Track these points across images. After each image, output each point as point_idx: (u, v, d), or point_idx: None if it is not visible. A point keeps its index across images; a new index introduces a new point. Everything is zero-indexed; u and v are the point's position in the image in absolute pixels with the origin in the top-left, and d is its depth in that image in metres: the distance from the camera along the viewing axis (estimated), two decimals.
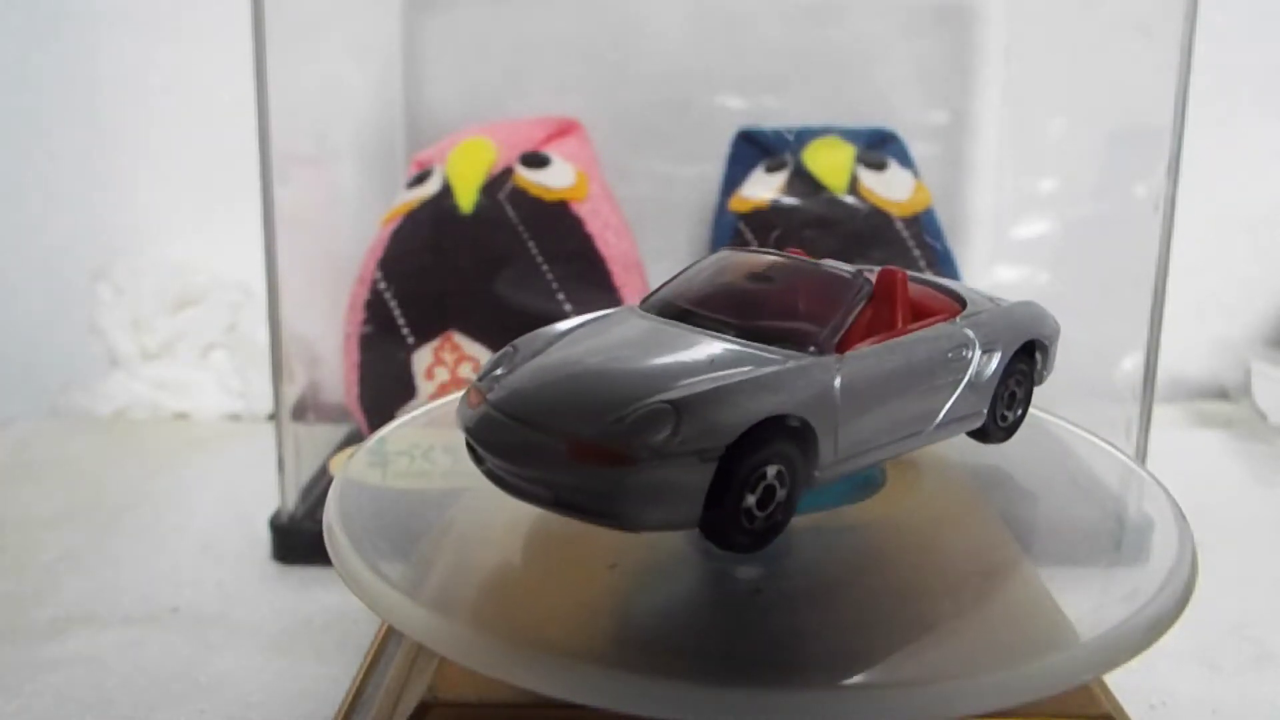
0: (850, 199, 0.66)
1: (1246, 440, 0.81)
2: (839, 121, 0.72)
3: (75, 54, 0.87)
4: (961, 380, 0.37)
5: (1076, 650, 0.29)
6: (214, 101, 0.83)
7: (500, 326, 0.62)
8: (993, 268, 0.79)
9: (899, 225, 0.66)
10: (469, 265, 0.63)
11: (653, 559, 0.33)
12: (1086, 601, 0.32)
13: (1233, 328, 0.91)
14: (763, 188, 0.68)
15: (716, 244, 0.70)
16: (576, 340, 0.35)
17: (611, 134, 0.76)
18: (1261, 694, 0.49)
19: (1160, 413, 0.66)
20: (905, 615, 0.31)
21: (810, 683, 0.27)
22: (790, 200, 0.67)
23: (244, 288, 0.87)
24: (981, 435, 0.39)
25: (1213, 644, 0.52)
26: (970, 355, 0.37)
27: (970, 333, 0.37)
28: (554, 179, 0.66)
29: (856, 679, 0.27)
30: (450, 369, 0.63)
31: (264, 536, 0.61)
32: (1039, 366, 0.41)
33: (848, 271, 0.36)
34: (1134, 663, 0.29)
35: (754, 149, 0.73)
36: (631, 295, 0.65)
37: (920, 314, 0.37)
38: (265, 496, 0.63)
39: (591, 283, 0.64)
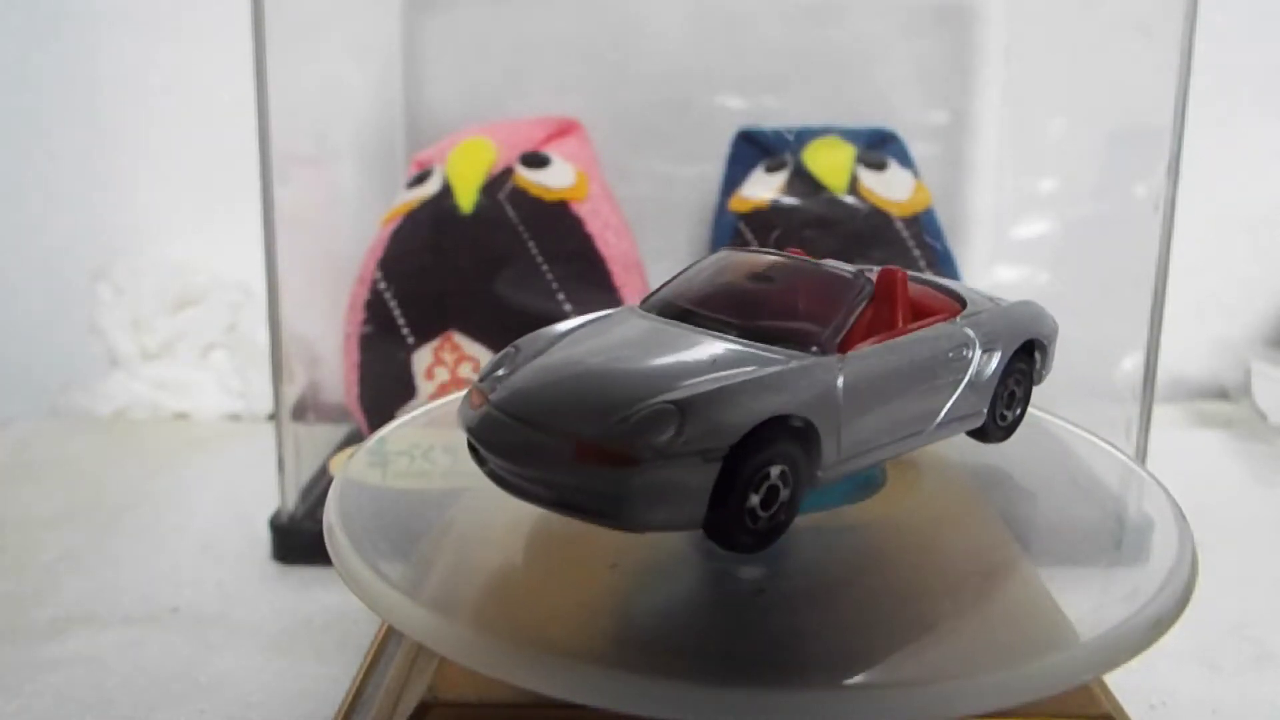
0: (850, 199, 0.66)
1: (1246, 440, 0.81)
2: (839, 121, 0.72)
3: (75, 54, 0.87)
4: (962, 380, 0.37)
5: (1076, 650, 0.29)
6: (214, 101, 0.83)
7: (500, 326, 0.62)
8: (993, 268, 0.79)
9: (899, 225, 0.66)
10: (469, 265, 0.63)
11: (653, 559, 0.33)
12: (1086, 601, 0.32)
13: (1233, 328, 0.91)
14: (763, 188, 0.68)
15: (716, 244, 0.70)
16: (578, 340, 0.35)
17: (611, 134, 0.76)
18: (1261, 694, 0.49)
19: (1160, 413, 0.66)
20: (905, 615, 0.31)
21: (810, 683, 0.27)
22: (790, 200, 0.67)
23: (244, 288, 0.87)
24: (981, 435, 0.39)
25: (1213, 644, 0.52)
26: (970, 355, 0.37)
27: (970, 332, 0.37)
28: (554, 179, 0.66)
29: (856, 679, 0.27)
30: (450, 369, 0.63)
31: (264, 536, 0.61)
32: (1038, 366, 0.41)
33: (849, 271, 0.36)
34: (1134, 663, 0.29)
35: (754, 149, 0.73)
36: (631, 295, 0.65)
37: (920, 314, 0.37)
38: (265, 496, 0.63)
39: (591, 283, 0.64)
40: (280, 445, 0.60)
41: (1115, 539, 0.38)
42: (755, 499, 0.30)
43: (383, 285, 0.63)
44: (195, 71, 0.86)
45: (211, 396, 0.84)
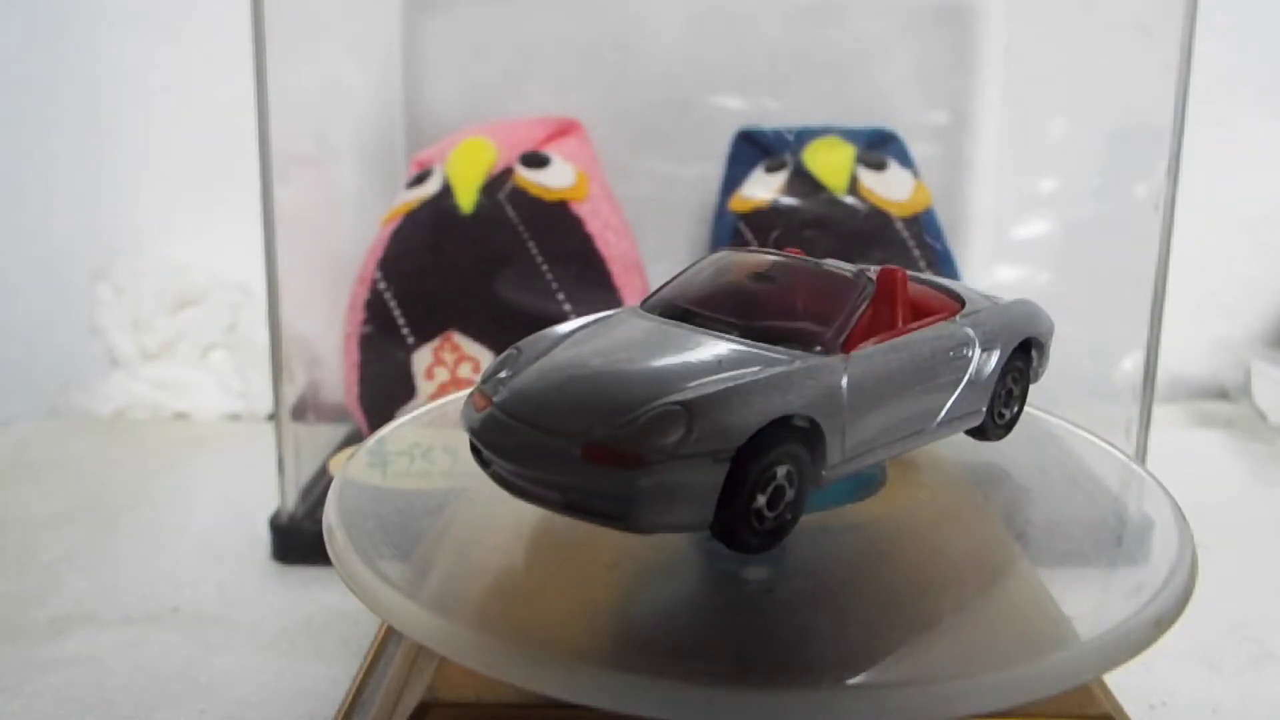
0: (850, 199, 0.66)
1: (1246, 440, 0.81)
2: (839, 121, 0.72)
3: (75, 54, 0.87)
4: (962, 379, 0.37)
5: (1076, 650, 0.29)
6: (214, 101, 0.83)
7: (500, 326, 0.62)
8: (993, 268, 0.79)
9: (899, 225, 0.66)
10: (469, 265, 0.63)
11: (653, 559, 0.33)
12: (1087, 601, 0.32)
13: (1233, 328, 0.91)
14: (763, 188, 0.68)
15: (716, 244, 0.70)
16: (581, 341, 0.34)
17: (611, 134, 0.76)
18: (1261, 694, 0.49)
19: (1160, 413, 0.66)
20: (905, 615, 0.31)
21: (810, 682, 0.27)
22: (790, 200, 0.67)
23: (244, 288, 0.87)
24: (980, 433, 0.39)
25: (1213, 644, 0.52)
26: (971, 354, 0.37)
27: (970, 331, 0.37)
28: (554, 179, 0.66)
29: (857, 679, 0.27)
30: (450, 369, 0.63)
31: (264, 536, 0.61)
32: (1035, 364, 0.41)
33: (850, 271, 0.36)
34: (1134, 663, 0.29)
35: (754, 149, 0.73)
36: (631, 295, 0.65)
37: (920, 313, 0.37)
38: (265, 496, 0.63)
39: (591, 283, 0.64)
40: (280, 445, 0.60)
41: (1115, 539, 0.38)
42: (762, 499, 0.30)
43: (383, 285, 0.63)
44: (195, 71, 0.86)
45: (211, 396, 0.84)
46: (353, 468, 0.38)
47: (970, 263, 0.77)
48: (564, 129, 0.72)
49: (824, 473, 0.32)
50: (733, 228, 0.67)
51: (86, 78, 0.87)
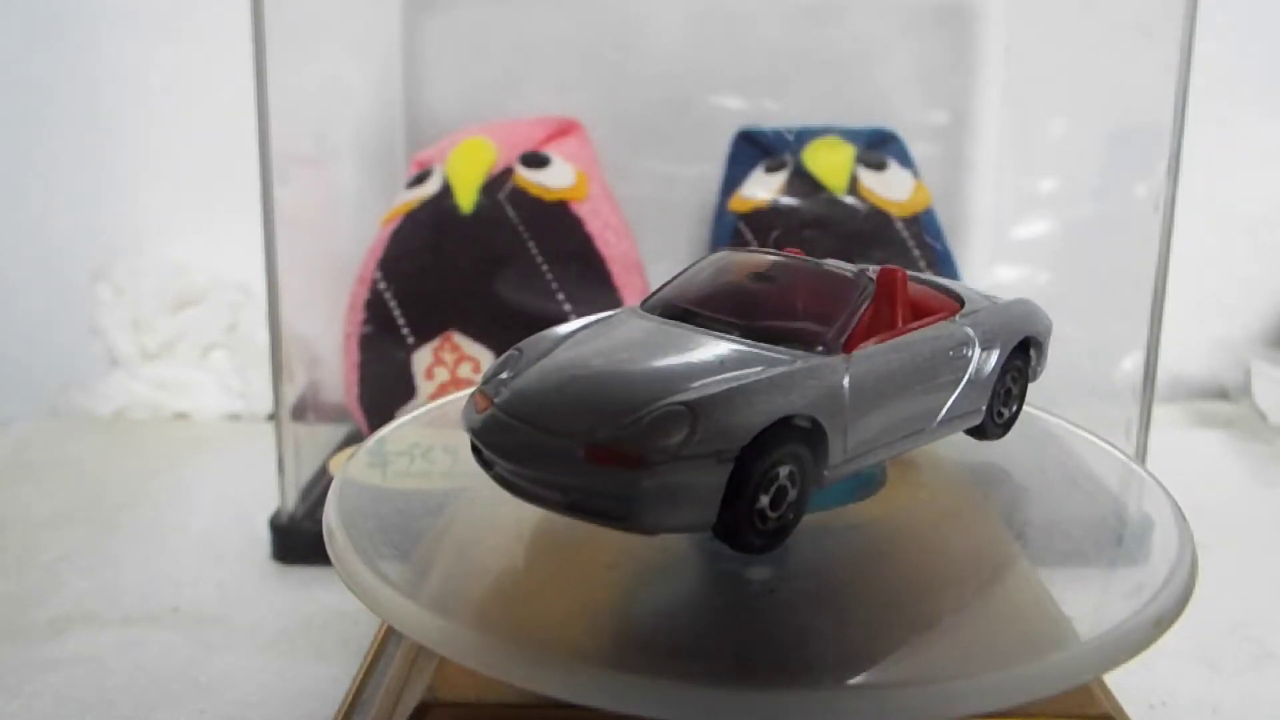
0: (850, 199, 0.66)
1: (1246, 440, 0.81)
2: (839, 121, 0.72)
3: (75, 54, 0.87)
4: (962, 378, 0.37)
5: (1076, 650, 0.29)
6: (214, 101, 0.83)
7: (500, 326, 0.62)
8: (993, 268, 0.79)
9: (899, 225, 0.66)
10: (469, 265, 0.63)
11: (653, 559, 0.33)
12: (1087, 601, 0.32)
13: (1233, 328, 0.91)
14: (763, 188, 0.68)
15: (716, 244, 0.70)
16: (582, 342, 0.34)
17: (611, 134, 0.76)
18: (1261, 694, 0.49)
19: (1160, 413, 0.66)
20: (906, 615, 0.31)
21: (810, 683, 0.27)
22: (790, 200, 0.67)
23: (244, 288, 0.87)
24: (979, 432, 0.39)
25: (1213, 644, 0.52)
26: (970, 353, 0.37)
27: (970, 331, 0.37)
28: (554, 179, 0.66)
29: (856, 679, 0.27)
30: (450, 369, 0.63)
31: (264, 536, 0.61)
32: (1033, 363, 0.41)
33: (850, 271, 0.36)
34: (1134, 663, 0.29)
35: (754, 149, 0.73)
36: (631, 295, 0.65)
37: (919, 313, 0.37)
38: (265, 496, 0.63)
39: (591, 283, 0.64)
40: (280, 445, 0.60)
41: (1115, 539, 0.38)
42: (765, 500, 0.30)
43: (383, 285, 0.63)
44: (195, 71, 0.86)
45: (211, 396, 0.84)
46: (353, 468, 0.38)
47: (970, 263, 0.77)
48: (564, 129, 0.72)
49: (826, 473, 0.32)
50: (733, 228, 0.67)
51: (86, 78, 0.87)
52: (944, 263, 0.66)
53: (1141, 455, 0.62)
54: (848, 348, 0.33)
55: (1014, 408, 0.40)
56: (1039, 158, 0.77)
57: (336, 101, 0.75)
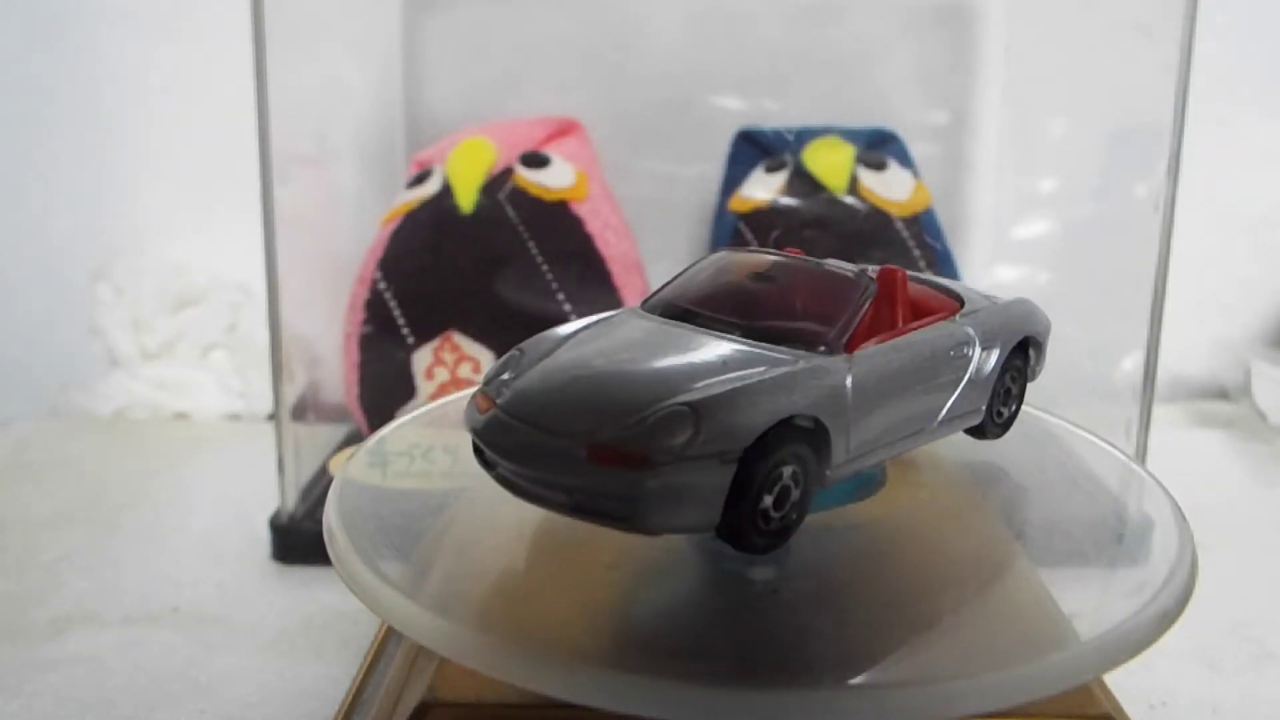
0: (850, 199, 0.66)
1: (1246, 440, 0.81)
2: (839, 121, 0.72)
3: (75, 54, 0.87)
4: (963, 377, 0.37)
5: (1076, 650, 0.29)
6: (214, 101, 0.83)
7: (500, 326, 0.62)
8: (993, 268, 0.79)
9: (899, 225, 0.66)
10: (469, 265, 0.63)
11: (652, 559, 0.33)
12: (1087, 601, 0.32)
13: (1233, 328, 0.91)
14: (763, 188, 0.68)
15: (716, 244, 0.70)
16: (583, 342, 0.34)
17: (611, 134, 0.76)
18: (1261, 694, 0.49)
19: (1160, 413, 0.66)
20: (906, 615, 0.31)
21: (810, 683, 0.27)
22: (790, 200, 0.67)
23: (244, 288, 0.87)
24: (979, 432, 0.39)
25: (1213, 644, 0.52)
26: (971, 353, 0.37)
27: (970, 330, 0.37)
28: (554, 179, 0.66)
29: (856, 679, 0.27)
30: (450, 369, 0.63)
31: (264, 536, 0.61)
32: (1032, 363, 0.41)
33: (851, 271, 0.36)
34: (1134, 663, 0.29)
35: (754, 149, 0.73)
36: (631, 295, 0.65)
37: (919, 312, 0.37)
38: (265, 496, 0.63)
39: (591, 283, 0.64)
40: (280, 445, 0.60)
41: (1115, 539, 0.38)
42: (768, 500, 0.30)
43: (383, 285, 0.63)
44: (195, 71, 0.86)
45: (211, 396, 0.84)
46: (353, 468, 0.38)
47: (970, 263, 0.77)
48: (564, 129, 0.72)
49: (828, 473, 0.32)
50: (733, 228, 0.67)
51: (86, 78, 0.87)
52: (944, 263, 0.66)
53: (1141, 455, 0.62)
54: (849, 348, 0.33)
55: (1013, 407, 0.40)
56: (1039, 158, 0.77)
57: (336, 101, 0.75)
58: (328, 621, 0.54)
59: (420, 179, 0.67)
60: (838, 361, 0.33)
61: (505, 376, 0.33)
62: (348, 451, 0.40)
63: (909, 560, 0.35)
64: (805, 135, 0.70)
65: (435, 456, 0.41)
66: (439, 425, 0.43)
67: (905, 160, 0.70)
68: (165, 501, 0.68)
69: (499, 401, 0.32)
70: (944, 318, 0.37)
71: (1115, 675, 0.31)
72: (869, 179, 0.67)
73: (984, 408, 0.38)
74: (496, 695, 0.33)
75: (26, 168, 0.89)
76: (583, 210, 0.65)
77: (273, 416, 0.62)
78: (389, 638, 0.43)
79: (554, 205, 0.65)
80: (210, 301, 0.86)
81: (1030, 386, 0.41)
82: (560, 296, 0.63)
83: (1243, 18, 0.83)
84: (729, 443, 0.29)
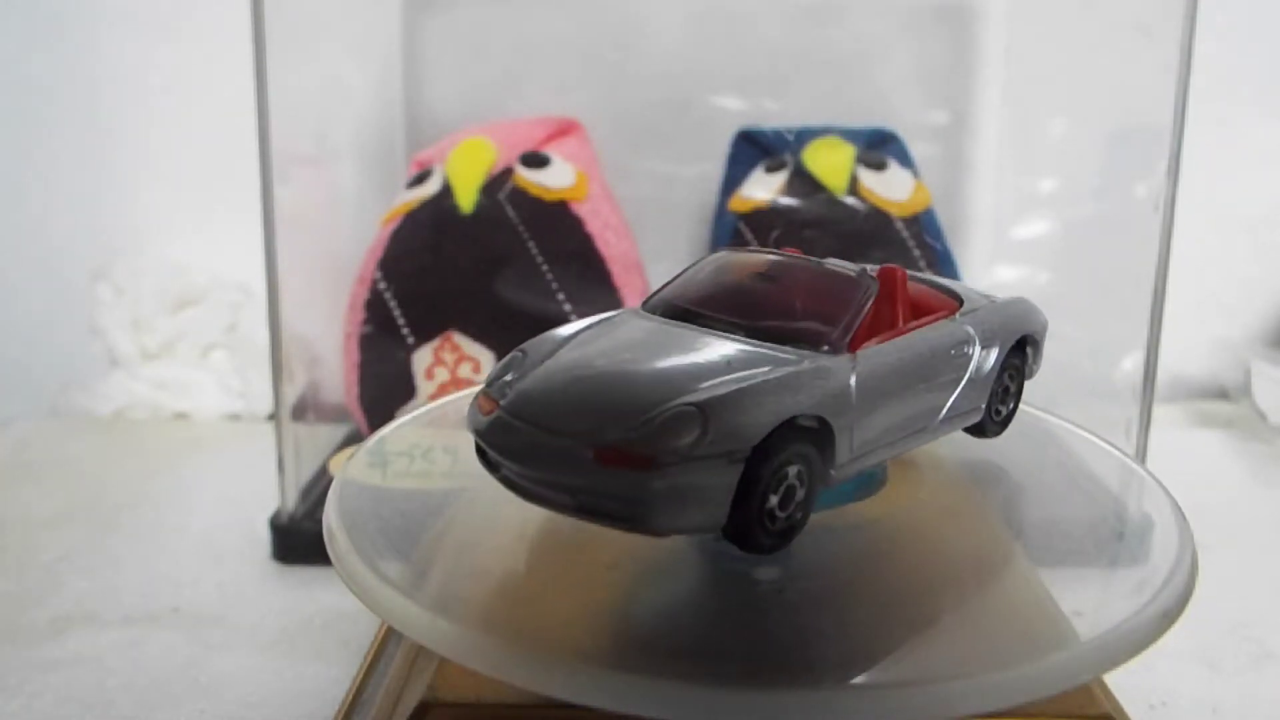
0: (850, 199, 0.66)
1: (1246, 440, 0.81)
2: (839, 121, 0.72)
3: (75, 54, 0.87)
4: (964, 376, 0.37)
5: (1076, 650, 0.29)
6: (214, 101, 0.83)
7: (500, 326, 0.62)
8: (993, 268, 0.79)
9: (899, 225, 0.66)
10: (469, 265, 0.63)
11: (653, 559, 0.33)
12: (1087, 601, 0.32)
13: (1233, 328, 0.91)
14: (763, 188, 0.68)
15: (716, 244, 0.70)
16: (586, 343, 0.34)
17: (611, 134, 0.76)
18: (1261, 694, 0.49)
19: (1160, 413, 0.66)
20: (906, 615, 0.31)
21: (811, 683, 0.27)
22: (790, 200, 0.67)
23: (244, 288, 0.87)
24: (978, 430, 0.39)
25: (1213, 644, 0.52)
26: (971, 351, 0.37)
27: (970, 329, 0.37)
28: (554, 179, 0.66)
29: (856, 679, 0.27)
30: (450, 369, 0.63)
31: (264, 536, 0.61)
32: (1030, 361, 0.41)
33: (852, 270, 0.36)
34: (1134, 663, 0.29)
35: (754, 149, 0.73)
36: (631, 295, 0.65)
37: (919, 312, 0.37)
38: (265, 496, 0.63)
39: (591, 283, 0.64)
40: (280, 445, 0.60)
41: (1115, 539, 0.38)
42: (774, 500, 0.30)
43: (383, 285, 0.63)
44: (195, 71, 0.86)
45: (211, 396, 0.84)
46: (353, 468, 0.38)
47: (970, 263, 0.77)
48: (564, 129, 0.72)
49: (833, 472, 0.32)
50: (733, 228, 0.67)
51: (86, 78, 0.87)
52: (944, 263, 0.66)
53: (1141, 455, 0.62)
54: (852, 347, 0.33)
55: (1011, 405, 0.40)
56: (1039, 158, 0.77)
57: (336, 101, 0.75)
58: (328, 621, 0.54)
59: (420, 179, 0.67)
60: (841, 361, 0.33)
61: (508, 378, 0.33)
62: (348, 451, 0.40)
63: (909, 560, 0.35)
64: (805, 135, 0.70)
65: (435, 456, 0.41)
66: (439, 425, 0.43)
67: (905, 160, 0.70)
68: (165, 501, 0.68)
69: (502, 403, 0.32)
70: (944, 317, 0.37)
71: (1115, 675, 0.31)
72: (869, 179, 0.67)
73: (983, 406, 0.38)
74: (496, 695, 0.33)
75: (26, 168, 0.89)
76: (583, 210, 0.65)
77: (273, 416, 0.62)
78: (389, 638, 0.43)
79: (554, 205, 0.65)
80: (210, 301, 0.86)
81: (1030, 386, 0.41)
82: (560, 296, 0.63)
83: (1243, 18, 0.83)
84: (736, 443, 0.29)
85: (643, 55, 0.78)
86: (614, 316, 0.37)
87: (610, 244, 0.65)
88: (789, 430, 0.30)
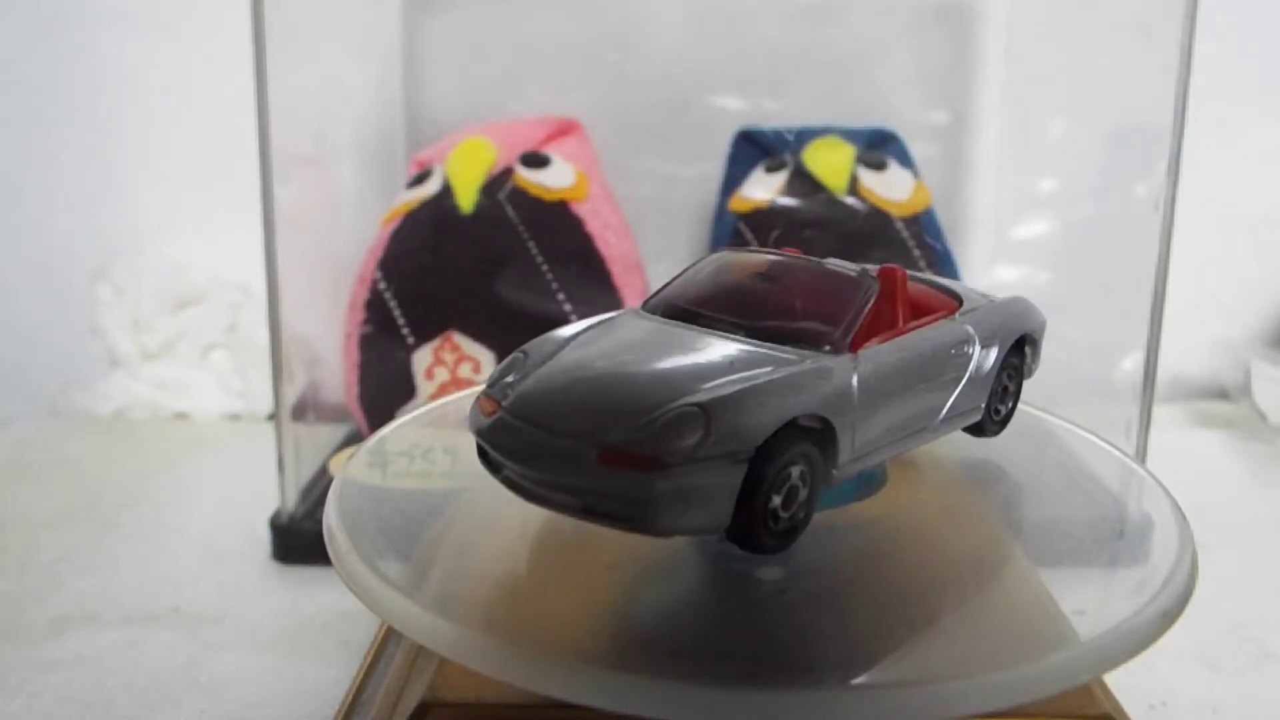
0: (850, 199, 0.66)
1: (1246, 440, 0.81)
2: (839, 121, 0.72)
3: (75, 54, 0.87)
4: (964, 376, 0.37)
5: (1076, 650, 0.29)
6: (214, 101, 0.83)
7: (500, 326, 0.62)
8: (993, 268, 0.79)
9: (899, 225, 0.66)
10: (469, 265, 0.63)
11: (653, 559, 0.33)
12: (1087, 601, 0.32)
13: (1233, 328, 0.91)
14: (763, 188, 0.68)
15: (716, 244, 0.70)
16: (588, 344, 0.34)
17: (611, 134, 0.76)
18: (1261, 694, 0.49)
19: (1160, 413, 0.66)
20: (905, 615, 0.31)
21: (811, 683, 0.27)
22: (790, 200, 0.67)
23: (244, 288, 0.87)
24: (978, 429, 0.39)
25: (1213, 644, 0.52)
26: (971, 350, 0.37)
27: (970, 328, 0.37)
28: (554, 179, 0.66)
29: (857, 679, 0.27)
30: (450, 369, 0.63)
31: (264, 536, 0.61)
32: (1028, 360, 0.41)
33: (853, 270, 0.36)
34: (1134, 663, 0.29)
35: (754, 149, 0.73)
36: (631, 295, 0.65)
37: (919, 311, 0.37)
38: (265, 496, 0.63)
39: (591, 283, 0.64)
40: (280, 445, 0.60)
41: (1115, 538, 0.38)
42: (777, 500, 0.30)
43: (383, 285, 0.63)
44: (195, 71, 0.86)
45: (211, 396, 0.84)
46: (353, 468, 0.38)
47: (970, 263, 0.77)
48: (564, 129, 0.72)
49: (834, 472, 0.32)
50: (733, 228, 0.67)
51: (86, 78, 0.87)
52: (944, 263, 0.66)
53: (1141, 455, 0.62)
54: (854, 347, 0.33)
55: (1010, 404, 0.40)
56: (1039, 158, 0.77)
57: (336, 101, 0.75)
58: (328, 621, 0.54)
59: (420, 179, 0.67)
60: (843, 361, 0.33)
61: (510, 379, 0.33)
62: (348, 451, 0.40)
63: (909, 560, 0.35)
64: (805, 135, 0.70)
65: (435, 456, 0.41)
66: (439, 425, 0.43)
67: (905, 160, 0.70)
68: (165, 501, 0.68)
69: (505, 404, 0.32)
70: (944, 316, 0.37)
71: (1115, 675, 0.31)
72: (869, 179, 0.67)
73: (983, 405, 0.38)
74: (496, 695, 0.33)
75: (26, 168, 0.89)
76: (583, 210, 0.65)
77: (273, 416, 0.62)
78: (389, 638, 0.43)
79: (554, 205, 0.65)
80: (210, 301, 0.86)
81: (1030, 386, 0.41)
82: (560, 296, 0.63)
83: (1243, 18, 0.83)
84: (740, 443, 0.29)
85: (643, 55, 0.78)
86: (615, 317, 0.37)
87: (610, 244, 0.65)
88: (792, 430, 0.30)
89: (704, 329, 0.34)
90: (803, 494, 0.31)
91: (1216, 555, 0.54)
